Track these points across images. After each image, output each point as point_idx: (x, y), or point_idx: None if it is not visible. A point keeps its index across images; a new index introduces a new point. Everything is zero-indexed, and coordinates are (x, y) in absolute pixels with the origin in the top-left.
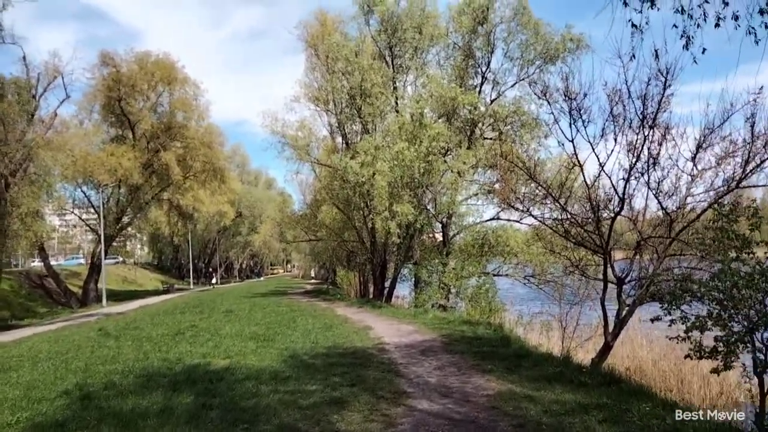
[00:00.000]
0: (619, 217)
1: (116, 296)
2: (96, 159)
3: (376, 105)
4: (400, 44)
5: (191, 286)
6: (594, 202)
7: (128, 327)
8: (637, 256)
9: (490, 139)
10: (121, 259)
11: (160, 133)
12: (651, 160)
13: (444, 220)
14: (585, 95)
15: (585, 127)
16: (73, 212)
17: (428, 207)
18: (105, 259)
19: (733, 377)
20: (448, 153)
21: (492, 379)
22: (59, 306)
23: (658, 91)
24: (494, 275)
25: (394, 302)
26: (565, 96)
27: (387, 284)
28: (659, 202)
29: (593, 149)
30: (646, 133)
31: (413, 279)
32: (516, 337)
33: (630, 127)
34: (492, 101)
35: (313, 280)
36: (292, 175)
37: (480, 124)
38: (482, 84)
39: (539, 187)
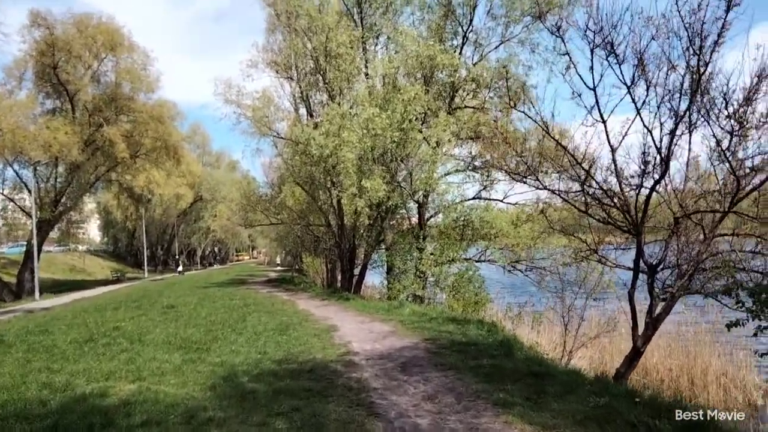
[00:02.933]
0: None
1: (58, 287)
2: (27, 133)
3: (342, 68)
4: (370, 0)
5: (145, 275)
6: (620, 168)
7: (35, 330)
8: (675, 238)
9: (472, 107)
10: (73, 246)
11: (103, 105)
12: (703, 108)
13: (420, 199)
14: (614, 26)
15: (620, 65)
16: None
17: (402, 185)
18: (49, 246)
19: (749, 377)
20: (426, 122)
21: (514, 421)
22: None
23: (718, 15)
24: (476, 261)
25: (365, 292)
26: (586, 30)
27: (357, 271)
28: (728, 162)
29: (631, 94)
30: (699, 71)
31: (385, 266)
32: (517, 341)
33: (673, 68)
34: (474, 65)
35: (279, 267)
36: (253, 154)
37: (461, 90)
38: (463, 45)
39: (553, 153)
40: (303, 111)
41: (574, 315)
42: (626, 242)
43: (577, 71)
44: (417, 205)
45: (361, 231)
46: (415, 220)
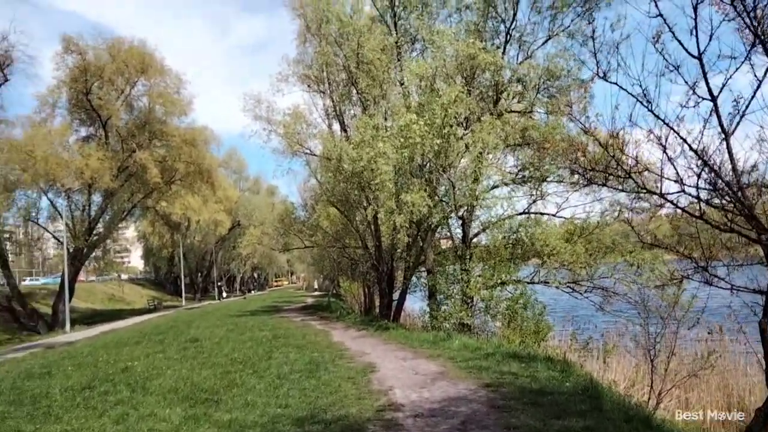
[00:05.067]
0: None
1: (95, 317)
2: (60, 160)
3: (375, 75)
4: (405, 3)
5: (182, 303)
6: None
7: (36, 373)
8: None
9: (518, 112)
10: (115, 275)
11: (136, 130)
12: None
13: (464, 214)
14: None
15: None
16: (34, 221)
17: (444, 199)
18: (90, 276)
19: None
20: (468, 128)
21: None
22: (25, 331)
23: None
24: (529, 283)
25: (405, 319)
26: None
27: (396, 296)
28: None
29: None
30: None
31: (427, 290)
32: (605, 387)
33: None
34: (519, 64)
35: (316, 292)
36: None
37: (505, 93)
38: (506, 44)
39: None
40: (336, 126)
41: (662, 349)
42: (744, 257)
43: (674, 35)
44: (461, 221)
45: (400, 251)
46: (457, 239)
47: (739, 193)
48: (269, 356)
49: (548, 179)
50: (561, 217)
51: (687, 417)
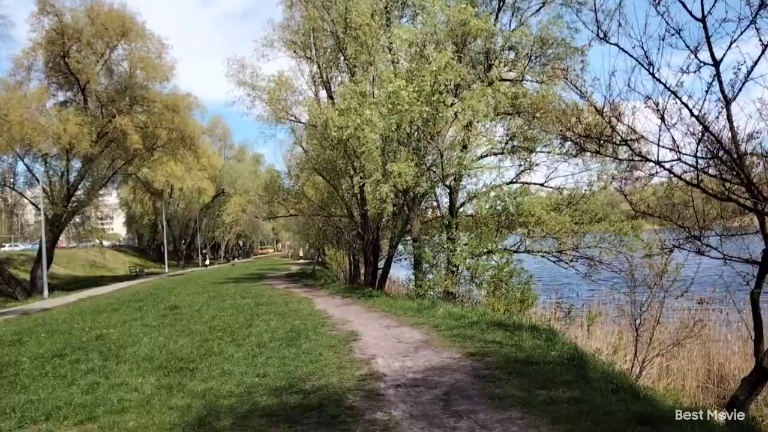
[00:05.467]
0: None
1: (74, 284)
2: (36, 124)
3: (363, 41)
4: None
5: (166, 270)
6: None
7: (7, 340)
8: None
9: (510, 80)
10: (96, 241)
11: (116, 95)
12: None
13: (452, 183)
14: None
15: None
16: (10, 187)
17: (432, 168)
18: (63, 242)
19: None
20: (459, 96)
21: None
22: (2, 297)
23: None
24: (514, 252)
25: (390, 287)
26: None
27: (381, 264)
28: None
29: None
30: None
31: (412, 258)
32: (587, 355)
33: None
34: (512, 32)
35: (301, 260)
36: (267, 140)
37: (497, 62)
38: (499, 11)
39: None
40: (323, 94)
41: (647, 317)
42: (738, 227)
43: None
44: (448, 190)
45: (385, 220)
46: (444, 208)
47: (738, 161)
48: (250, 324)
49: (537, 150)
50: (549, 187)
51: (667, 384)
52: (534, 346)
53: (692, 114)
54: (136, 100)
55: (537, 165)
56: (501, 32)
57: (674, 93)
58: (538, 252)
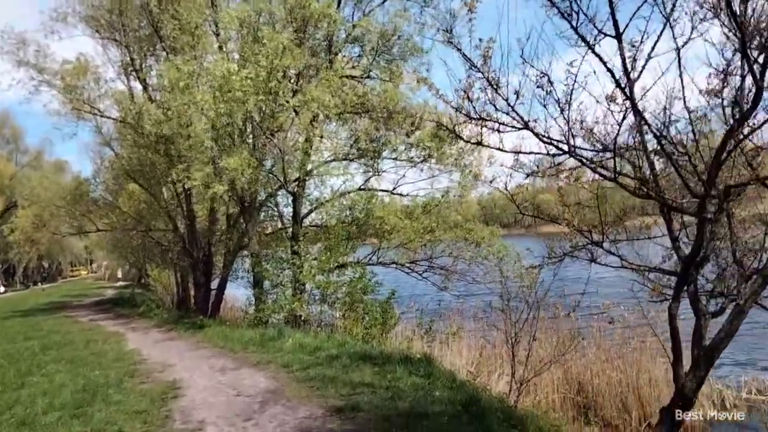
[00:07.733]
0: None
1: None
2: None
3: (185, 18)
4: None
5: None
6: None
7: None
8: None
9: (356, 77)
10: None
11: None
12: None
13: (295, 189)
14: None
15: None
16: None
17: (273, 170)
18: None
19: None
20: (301, 89)
21: None
22: None
23: None
24: (368, 264)
25: (226, 312)
26: None
27: (215, 284)
28: None
29: None
30: None
31: (252, 277)
32: (486, 398)
33: None
34: (354, 27)
35: (120, 282)
36: (65, 139)
37: (340, 56)
38: (339, 4)
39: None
40: (136, 85)
41: (522, 333)
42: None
43: None
44: (292, 197)
45: (219, 234)
46: (287, 218)
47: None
48: (22, 383)
49: (384, 155)
50: (398, 194)
51: (533, 399)
52: (413, 387)
53: (618, 85)
54: None
55: (384, 171)
56: (344, 22)
57: (593, 50)
58: (391, 263)
